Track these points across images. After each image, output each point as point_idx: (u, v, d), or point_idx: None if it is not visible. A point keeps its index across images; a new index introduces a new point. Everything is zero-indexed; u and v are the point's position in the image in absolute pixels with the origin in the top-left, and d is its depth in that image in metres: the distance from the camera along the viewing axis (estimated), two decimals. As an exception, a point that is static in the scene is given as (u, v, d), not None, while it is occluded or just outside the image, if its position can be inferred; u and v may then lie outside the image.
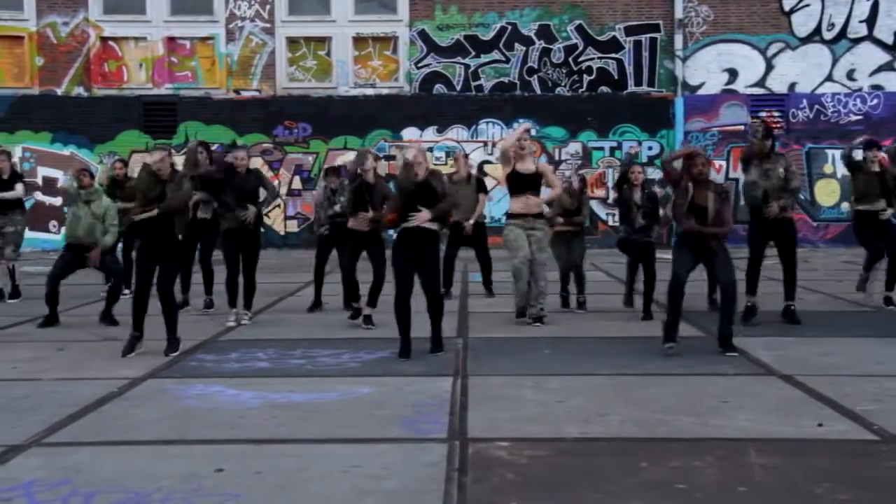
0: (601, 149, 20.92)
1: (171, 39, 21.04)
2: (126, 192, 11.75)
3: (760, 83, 20.83)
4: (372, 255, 10.06)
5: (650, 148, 20.91)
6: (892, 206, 10.63)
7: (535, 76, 20.92)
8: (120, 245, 11.26)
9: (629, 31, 20.84)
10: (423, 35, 20.86)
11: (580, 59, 20.88)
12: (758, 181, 9.76)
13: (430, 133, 20.92)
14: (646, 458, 5.06)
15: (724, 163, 20.72)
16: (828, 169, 20.62)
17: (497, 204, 18.86)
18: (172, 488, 4.61)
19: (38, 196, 20.13)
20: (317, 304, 11.08)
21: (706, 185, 8.36)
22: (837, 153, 20.11)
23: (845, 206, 19.06)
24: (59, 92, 20.99)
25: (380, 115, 20.86)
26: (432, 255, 8.28)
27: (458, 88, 20.93)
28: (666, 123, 20.76)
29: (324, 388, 6.85)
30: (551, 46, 20.85)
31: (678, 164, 8.72)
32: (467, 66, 20.92)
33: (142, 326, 8.33)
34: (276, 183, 20.63)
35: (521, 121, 20.78)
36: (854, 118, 20.65)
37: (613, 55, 20.87)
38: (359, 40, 21.05)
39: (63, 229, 20.09)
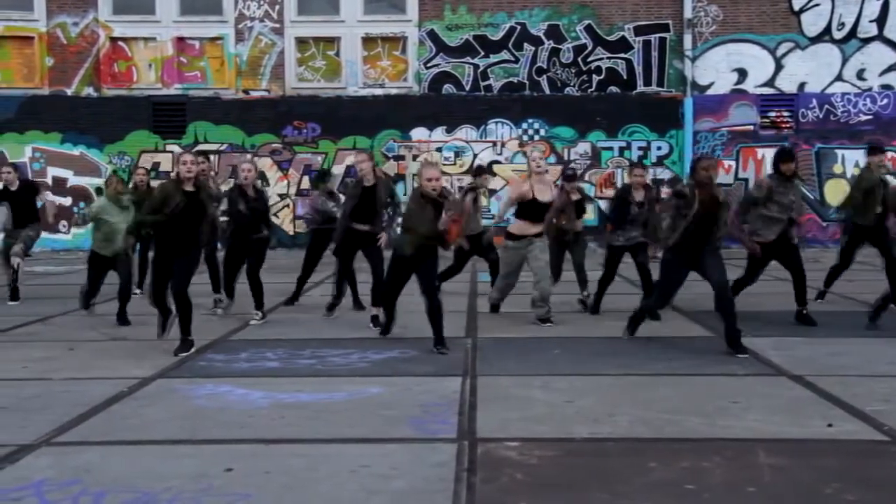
0: (610, 149, 20.89)
1: (180, 40, 21.07)
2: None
3: (770, 83, 20.76)
4: (370, 255, 10.10)
5: (659, 148, 20.86)
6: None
7: (545, 76, 20.89)
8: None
9: (638, 30, 20.80)
10: (433, 35, 20.86)
11: (589, 58, 20.85)
12: (781, 215, 9.76)
13: (440, 133, 20.92)
14: (655, 459, 5.06)
15: (733, 163, 20.67)
16: (837, 169, 20.55)
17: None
18: (182, 488, 4.62)
19: (49, 196, 20.15)
20: (295, 299, 11.19)
21: (711, 189, 8.33)
22: (847, 153, 20.10)
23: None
24: (69, 92, 21.04)
25: (389, 115, 20.86)
26: (432, 264, 8.61)
27: (468, 88, 20.92)
28: (675, 123, 20.71)
29: (333, 388, 6.87)
30: (560, 46, 20.82)
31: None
32: (476, 66, 20.91)
33: (168, 312, 8.79)
34: (285, 183, 20.78)
35: (529, 120, 20.86)
36: (864, 118, 20.57)
37: (623, 55, 20.83)
38: (368, 40, 21.06)
39: (73, 230, 20.29)
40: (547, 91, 20.90)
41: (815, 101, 20.65)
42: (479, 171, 12.85)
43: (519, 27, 20.83)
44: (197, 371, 7.67)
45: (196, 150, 12.17)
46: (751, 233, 9.81)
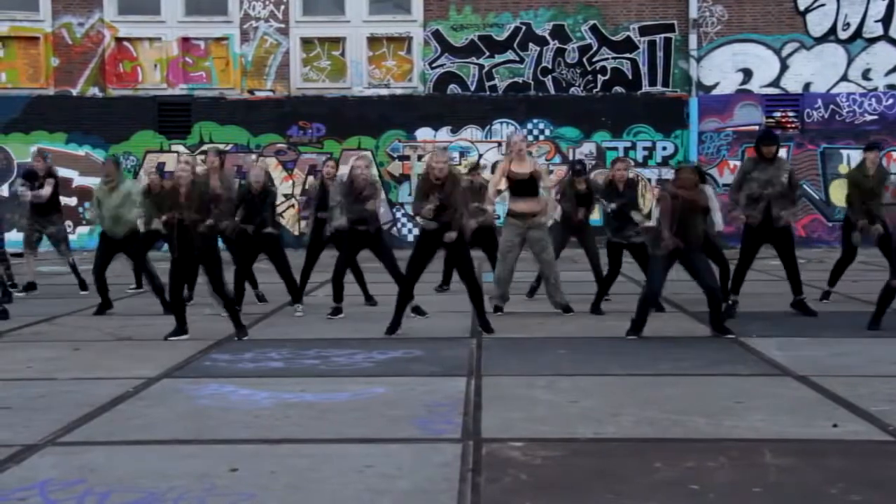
0: (615, 149, 20.86)
1: (185, 40, 21.09)
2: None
3: (775, 83, 20.73)
4: (381, 255, 10.32)
5: (664, 148, 20.84)
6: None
7: (550, 76, 20.88)
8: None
9: (643, 31, 20.78)
10: (438, 35, 20.86)
11: (594, 59, 20.83)
12: (760, 190, 10.02)
13: (445, 133, 20.92)
14: (659, 459, 5.05)
15: (738, 163, 20.62)
16: (842, 169, 20.48)
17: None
18: (186, 488, 4.62)
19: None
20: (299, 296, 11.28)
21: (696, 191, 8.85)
22: (852, 153, 20.06)
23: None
24: (75, 92, 21.08)
25: (394, 115, 20.87)
26: (466, 250, 9.31)
27: (473, 88, 20.92)
28: (680, 123, 20.69)
29: (337, 388, 6.87)
30: (565, 46, 20.81)
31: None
32: (481, 67, 20.91)
33: (185, 323, 9.24)
34: (290, 183, 20.78)
35: (534, 121, 20.85)
36: (869, 118, 20.53)
37: (628, 55, 20.81)
38: (373, 40, 21.06)
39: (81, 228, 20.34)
40: (552, 91, 20.88)
41: (820, 102, 20.61)
42: (473, 168, 13.08)
43: (524, 27, 20.82)
44: (202, 371, 7.68)
45: (213, 147, 12.41)
46: (746, 215, 10.17)
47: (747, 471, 4.87)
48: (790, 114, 20.63)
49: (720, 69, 20.72)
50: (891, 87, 20.58)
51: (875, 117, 20.50)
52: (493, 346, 8.65)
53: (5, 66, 21.20)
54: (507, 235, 10.46)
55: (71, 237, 18.89)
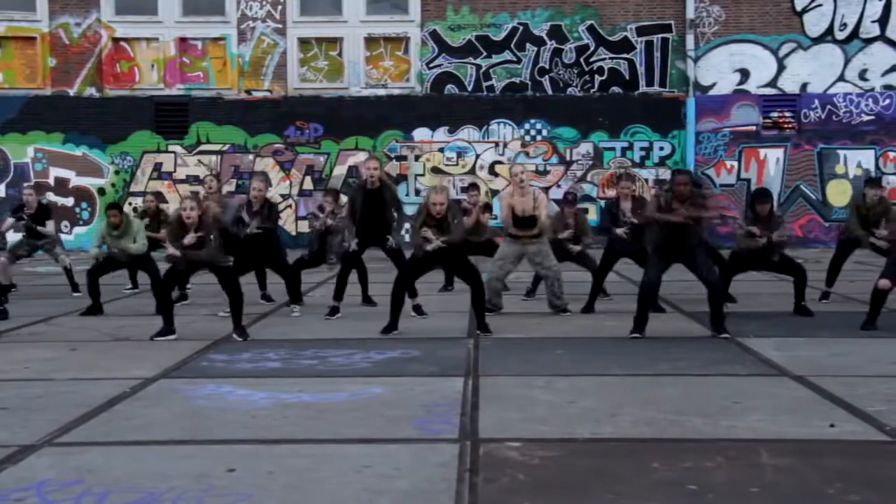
0: (612, 149, 20.89)
1: (182, 40, 21.09)
2: (159, 226, 12.69)
3: (772, 83, 20.75)
4: (394, 257, 10.50)
5: (661, 148, 20.86)
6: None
7: (547, 76, 20.90)
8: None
9: (641, 31, 20.80)
10: (435, 35, 20.86)
11: (591, 59, 20.85)
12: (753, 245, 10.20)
13: (442, 133, 20.93)
14: (657, 459, 5.05)
15: (735, 163, 20.67)
16: (839, 169, 20.55)
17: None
18: (184, 488, 4.62)
19: (51, 196, 20.20)
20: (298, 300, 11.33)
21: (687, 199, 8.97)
22: (849, 154, 20.09)
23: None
24: (72, 92, 21.07)
25: (391, 115, 20.88)
26: (466, 259, 9.48)
27: (470, 89, 20.92)
28: (677, 124, 20.71)
29: (335, 389, 6.86)
30: (563, 47, 20.82)
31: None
32: (479, 67, 20.91)
33: (172, 322, 9.30)
34: (287, 183, 20.79)
35: (532, 121, 20.85)
36: (866, 118, 20.56)
37: (625, 55, 20.83)
38: (370, 41, 21.06)
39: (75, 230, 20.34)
40: (549, 91, 20.90)
41: (817, 102, 20.64)
42: (469, 188, 13.18)
43: (521, 27, 20.83)
44: (199, 371, 7.67)
45: (210, 174, 12.62)
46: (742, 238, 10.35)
47: (745, 471, 4.87)
48: (787, 114, 20.66)
49: (717, 69, 20.74)
50: (887, 87, 20.61)
51: (872, 117, 20.53)
52: (491, 346, 8.66)
53: (2, 67, 21.19)
54: (504, 248, 10.59)
55: (68, 237, 19.00)
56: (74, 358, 8.31)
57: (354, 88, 21.02)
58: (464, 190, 16.04)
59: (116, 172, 21.08)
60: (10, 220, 13.17)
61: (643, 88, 20.84)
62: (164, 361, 7.97)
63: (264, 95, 21.06)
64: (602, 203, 19.89)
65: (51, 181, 20.99)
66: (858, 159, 20.48)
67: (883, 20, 20.56)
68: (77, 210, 21.04)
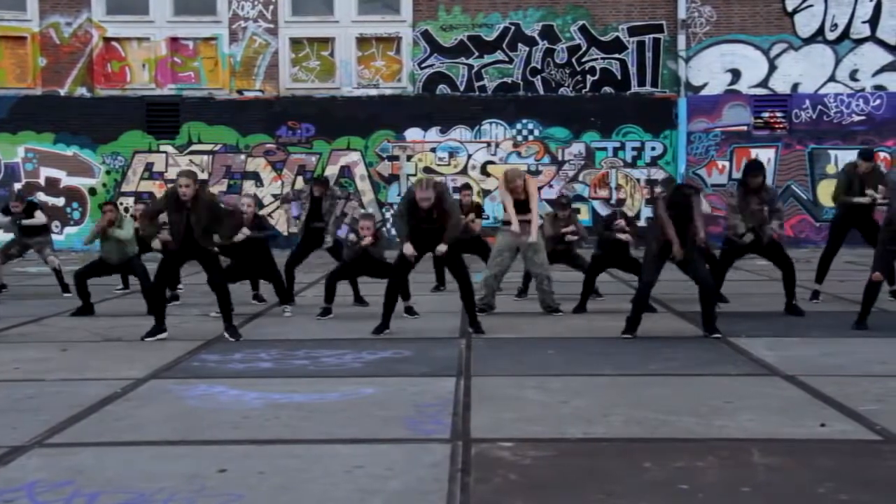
0: (604, 149, 20.91)
1: (174, 40, 21.05)
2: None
3: (763, 84, 20.80)
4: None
5: (653, 148, 20.88)
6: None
7: (539, 76, 20.91)
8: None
9: (632, 31, 20.83)
10: (427, 35, 20.86)
11: (583, 59, 20.87)
12: (743, 224, 10.25)
13: (434, 133, 20.92)
14: (649, 459, 5.06)
15: (727, 163, 20.70)
16: (830, 169, 20.58)
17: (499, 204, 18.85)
18: (175, 489, 4.61)
19: (41, 196, 20.14)
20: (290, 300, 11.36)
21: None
22: (840, 154, 20.14)
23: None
24: (62, 92, 21.01)
25: (383, 115, 20.86)
26: (459, 256, 9.44)
27: (462, 89, 20.92)
28: (669, 124, 20.74)
29: (327, 389, 6.86)
30: (555, 47, 20.84)
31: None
32: (471, 67, 20.91)
33: (163, 321, 9.25)
34: (279, 183, 20.74)
35: (524, 121, 20.85)
36: (857, 119, 20.62)
37: (617, 56, 20.85)
38: (362, 41, 21.05)
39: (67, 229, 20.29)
40: (541, 91, 20.91)
41: (808, 102, 20.69)
42: (463, 189, 13.21)
43: (513, 27, 20.84)
44: (190, 372, 7.65)
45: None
46: (733, 235, 10.43)
47: (736, 470, 4.88)
48: (778, 114, 20.71)
49: (709, 70, 20.78)
50: (878, 87, 20.67)
51: (863, 118, 20.59)
52: (483, 346, 8.66)
53: (-8, 66, 21.13)
54: (500, 242, 10.54)
55: (58, 237, 18.93)
56: (65, 358, 8.28)
57: (346, 88, 21.01)
58: (456, 190, 16.09)
59: (108, 172, 21.03)
60: (6, 220, 13.06)
61: (635, 88, 20.87)
62: (156, 362, 7.96)
63: (256, 95, 21.02)
64: (593, 203, 19.98)
65: (41, 181, 20.93)
66: (849, 159, 20.50)
67: (874, 21, 20.63)
68: (68, 210, 20.98)
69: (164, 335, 9.15)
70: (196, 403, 6.49)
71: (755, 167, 10.49)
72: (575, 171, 20.88)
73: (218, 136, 20.87)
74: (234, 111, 20.96)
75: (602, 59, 20.85)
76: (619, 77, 20.85)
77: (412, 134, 20.99)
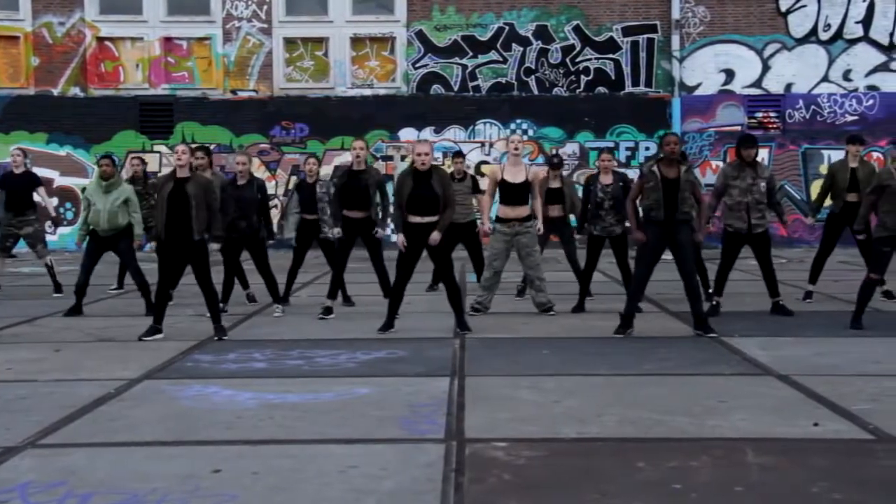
0: (598, 149, 20.86)
1: (167, 40, 21.01)
2: (146, 189, 12.55)
3: (757, 84, 20.83)
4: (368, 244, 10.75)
5: (647, 148, 20.91)
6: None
7: (533, 76, 20.92)
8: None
9: (626, 31, 20.84)
10: (421, 35, 20.86)
11: (577, 59, 20.88)
12: (739, 198, 10.24)
13: (428, 133, 20.91)
14: (642, 459, 5.06)
15: (720, 163, 20.71)
16: (823, 169, 20.56)
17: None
18: (169, 489, 4.60)
19: (35, 197, 20.07)
20: (285, 299, 11.29)
21: (675, 165, 8.99)
22: (833, 154, 20.17)
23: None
24: (55, 92, 20.96)
25: (377, 115, 20.85)
26: (447, 250, 9.32)
27: (456, 89, 20.93)
28: (663, 124, 20.75)
29: (321, 389, 6.85)
30: (549, 47, 20.85)
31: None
32: (465, 67, 20.92)
33: (161, 322, 9.22)
34: (272, 183, 20.71)
35: (518, 121, 20.87)
36: (850, 119, 20.66)
37: (611, 56, 20.87)
38: (356, 41, 21.04)
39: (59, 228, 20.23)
40: (535, 91, 20.92)
41: (801, 102, 20.73)
42: (455, 156, 13.04)
43: (507, 28, 20.84)
44: (184, 372, 7.64)
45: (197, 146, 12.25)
46: (726, 225, 10.44)
47: (730, 470, 4.89)
48: (772, 114, 20.75)
49: (703, 70, 20.81)
50: (871, 87, 20.71)
51: (856, 118, 20.63)
52: (477, 346, 8.65)
53: (-15, 66, 21.07)
54: (494, 243, 10.41)
55: (51, 238, 18.89)
56: (58, 359, 8.26)
57: (340, 88, 21.00)
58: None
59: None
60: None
61: (629, 88, 20.89)
62: (149, 362, 7.94)
63: (250, 95, 21.00)
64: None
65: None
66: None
67: (867, 21, 20.67)
68: (61, 210, 20.93)
69: (160, 336, 9.13)
70: (190, 404, 6.48)
71: (749, 139, 10.51)
72: (569, 171, 20.87)
73: (212, 136, 20.83)
74: (227, 111, 20.94)
75: (596, 59, 20.87)
76: (613, 77, 20.87)
77: (406, 134, 20.98)
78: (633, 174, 20.45)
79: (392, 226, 9.77)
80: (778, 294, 10.50)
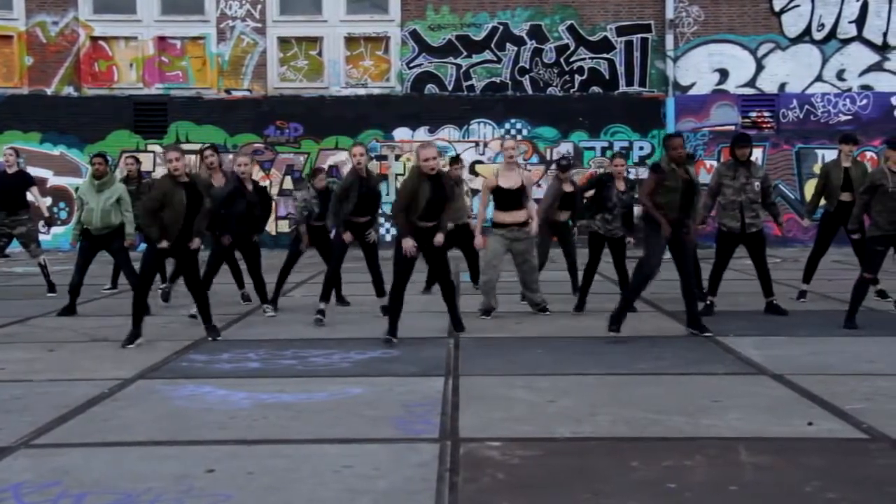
0: (592, 149, 20.93)
1: (161, 39, 20.98)
2: (140, 188, 12.48)
3: (751, 83, 20.86)
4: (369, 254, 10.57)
5: (641, 148, 20.93)
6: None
7: (527, 76, 20.92)
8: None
9: (620, 31, 20.86)
10: (415, 35, 20.85)
11: (572, 59, 20.89)
12: (733, 196, 10.29)
13: (422, 133, 20.91)
14: (637, 458, 5.07)
15: (714, 163, 20.73)
16: (817, 169, 20.62)
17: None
18: (163, 489, 4.60)
19: (28, 197, 20.01)
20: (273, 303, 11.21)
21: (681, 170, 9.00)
22: (827, 153, 20.21)
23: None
24: (49, 91, 20.92)
25: (371, 115, 20.84)
26: (444, 250, 9.12)
27: (450, 88, 20.92)
28: (657, 123, 20.78)
29: (315, 389, 6.85)
30: (543, 46, 20.85)
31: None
32: (459, 66, 20.91)
33: (141, 325, 8.91)
34: (266, 183, 20.69)
35: (512, 120, 20.88)
36: (844, 118, 20.70)
37: (605, 55, 20.88)
38: (350, 40, 21.03)
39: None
40: (529, 91, 20.92)
41: (795, 102, 20.77)
42: (453, 161, 13.00)
43: (501, 27, 20.84)
44: (178, 372, 7.63)
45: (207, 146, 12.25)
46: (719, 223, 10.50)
47: (724, 469, 4.89)
48: (766, 114, 20.78)
49: (696, 69, 20.83)
50: (865, 87, 20.75)
51: (849, 117, 20.67)
52: (472, 345, 8.65)
53: (-21, 65, 21.01)
54: (491, 248, 10.22)
55: (45, 238, 18.82)
56: (52, 359, 8.25)
57: (334, 88, 20.98)
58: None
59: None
60: None
61: (623, 88, 20.90)
62: (143, 362, 7.93)
63: (244, 95, 20.98)
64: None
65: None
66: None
67: (860, 21, 20.71)
68: (55, 210, 20.89)
69: (140, 340, 8.84)
70: (184, 404, 6.48)
71: (744, 138, 10.56)
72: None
73: (206, 136, 20.77)
74: (221, 111, 20.91)
75: (590, 58, 20.88)
76: (608, 77, 20.89)
77: (400, 133, 20.98)
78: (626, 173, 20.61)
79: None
80: (772, 293, 10.52)
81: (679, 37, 20.77)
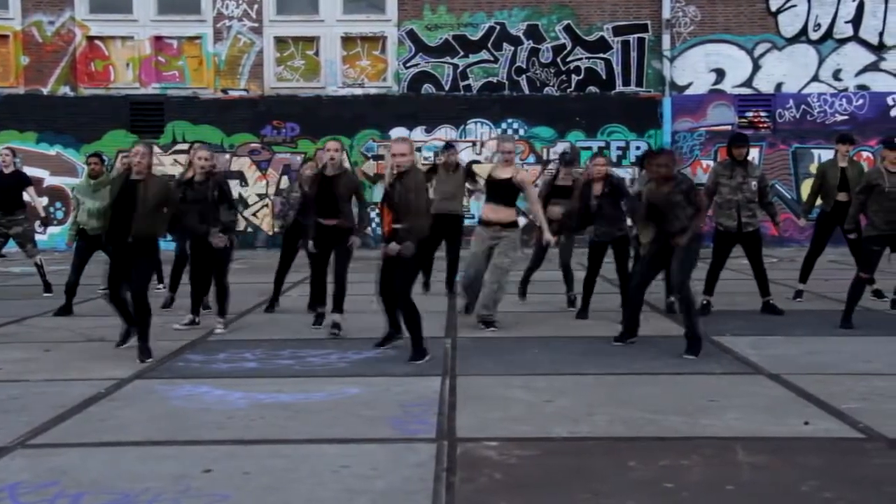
0: (589, 148, 20.87)
1: (158, 39, 20.94)
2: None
3: (747, 83, 20.87)
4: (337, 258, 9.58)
5: (638, 148, 20.92)
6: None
7: (524, 76, 20.92)
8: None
9: (617, 31, 20.86)
10: (412, 35, 20.84)
11: (568, 59, 20.89)
12: (730, 196, 10.31)
13: (419, 133, 20.90)
14: (634, 458, 5.07)
15: (711, 163, 20.75)
16: (813, 169, 20.62)
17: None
18: (161, 489, 4.59)
19: (24, 197, 19.99)
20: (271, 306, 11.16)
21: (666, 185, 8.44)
22: (823, 153, 20.23)
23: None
24: (45, 91, 20.88)
25: (368, 114, 20.83)
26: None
27: (447, 88, 20.91)
28: (654, 123, 20.79)
29: (312, 389, 6.85)
30: (540, 46, 20.85)
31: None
32: (456, 66, 20.91)
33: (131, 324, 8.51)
34: (263, 183, 20.68)
35: (509, 120, 20.88)
36: (840, 118, 20.71)
37: (601, 55, 20.88)
38: (347, 40, 21.01)
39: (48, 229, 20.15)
40: (526, 91, 20.92)
41: (791, 102, 20.78)
42: (445, 148, 12.86)
43: (498, 27, 20.84)
44: (175, 372, 7.63)
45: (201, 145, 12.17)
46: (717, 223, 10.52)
47: (721, 469, 4.90)
48: (762, 114, 20.79)
49: (693, 69, 20.84)
50: (861, 87, 20.77)
51: (846, 117, 20.68)
52: (469, 345, 8.66)
53: (-25, 65, 20.98)
54: (474, 247, 9.80)
55: (41, 237, 18.81)
56: (48, 359, 8.24)
57: (331, 88, 20.97)
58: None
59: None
60: None
61: (619, 88, 20.90)
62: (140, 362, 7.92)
63: (241, 95, 20.96)
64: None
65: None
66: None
67: (856, 21, 20.73)
68: (51, 210, 20.86)
69: (133, 339, 8.47)
70: (181, 403, 6.47)
71: (740, 138, 10.59)
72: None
73: (202, 136, 20.76)
74: (218, 110, 20.88)
75: (587, 58, 20.88)
76: (604, 77, 20.89)
77: (397, 133, 20.88)
78: (623, 173, 20.61)
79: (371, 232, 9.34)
80: (769, 293, 10.54)
81: (676, 37, 20.78)
